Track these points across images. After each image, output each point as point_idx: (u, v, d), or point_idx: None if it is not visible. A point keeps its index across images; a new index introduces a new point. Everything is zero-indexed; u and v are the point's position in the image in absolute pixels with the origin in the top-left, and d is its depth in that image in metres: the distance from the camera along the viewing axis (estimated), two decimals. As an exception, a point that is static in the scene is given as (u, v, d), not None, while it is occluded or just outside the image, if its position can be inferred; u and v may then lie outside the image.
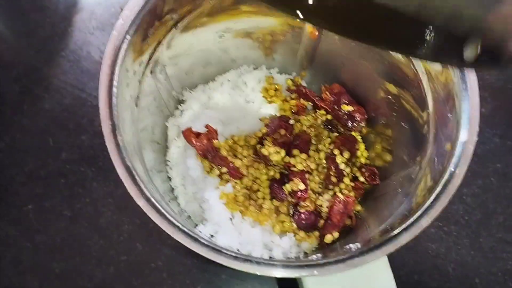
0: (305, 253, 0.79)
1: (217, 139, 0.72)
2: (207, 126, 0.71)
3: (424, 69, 0.68)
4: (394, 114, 0.79)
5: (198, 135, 0.71)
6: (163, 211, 0.53)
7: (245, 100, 0.87)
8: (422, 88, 0.68)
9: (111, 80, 0.58)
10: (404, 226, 0.55)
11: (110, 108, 0.57)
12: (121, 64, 0.60)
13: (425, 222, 0.55)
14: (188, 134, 0.70)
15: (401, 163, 0.75)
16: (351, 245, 0.58)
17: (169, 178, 0.81)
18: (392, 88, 0.77)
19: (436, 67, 0.64)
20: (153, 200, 0.53)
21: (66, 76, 1.06)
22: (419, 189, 0.63)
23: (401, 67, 0.71)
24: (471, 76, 0.59)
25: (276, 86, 0.90)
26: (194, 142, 0.70)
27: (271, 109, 0.87)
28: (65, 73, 1.07)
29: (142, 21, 0.61)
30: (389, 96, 0.78)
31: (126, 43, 0.60)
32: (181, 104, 0.86)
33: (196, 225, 0.76)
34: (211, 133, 0.71)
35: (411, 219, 0.55)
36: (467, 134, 0.57)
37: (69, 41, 1.11)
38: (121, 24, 0.61)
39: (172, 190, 0.81)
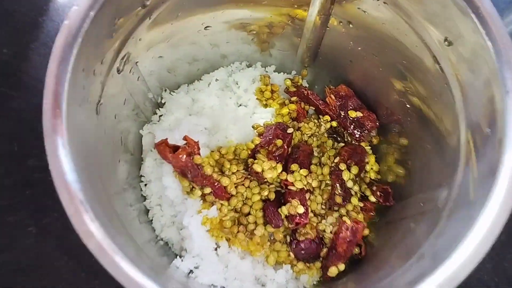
0: (306, 288, 0.67)
1: (199, 153, 0.59)
2: (186, 138, 0.58)
3: (452, 70, 0.55)
4: (412, 121, 0.67)
5: (175, 149, 0.58)
6: (117, 258, 0.40)
7: (236, 103, 0.75)
8: (450, 92, 0.56)
9: (58, 84, 0.46)
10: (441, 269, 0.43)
11: (55, 119, 0.45)
12: (75, 63, 0.47)
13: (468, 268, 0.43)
14: (163, 148, 0.57)
15: (422, 183, 0.63)
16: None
17: (144, 197, 0.68)
18: (410, 89, 0.64)
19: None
20: (104, 243, 0.41)
21: (36, 71, 0.94)
22: (448, 219, 0.50)
23: (425, 66, 0.59)
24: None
25: (273, 87, 0.77)
26: (170, 158, 0.57)
27: (267, 114, 0.75)
28: (36, 69, 0.94)
29: (103, 7, 0.49)
30: (407, 100, 0.66)
31: (81, 35, 0.47)
32: (160, 108, 0.73)
33: (176, 255, 0.63)
34: (191, 146, 0.58)
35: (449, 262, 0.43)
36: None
37: (40, 33, 0.98)
38: (76, 12, 0.48)
39: (147, 211, 0.68)
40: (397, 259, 0.56)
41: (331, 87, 0.76)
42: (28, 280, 0.75)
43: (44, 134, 0.45)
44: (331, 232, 0.66)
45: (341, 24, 0.68)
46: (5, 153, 0.86)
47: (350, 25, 0.67)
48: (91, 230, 0.42)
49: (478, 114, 0.51)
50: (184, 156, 0.57)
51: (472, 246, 0.43)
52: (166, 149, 0.57)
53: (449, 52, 0.55)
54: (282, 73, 0.81)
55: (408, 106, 0.67)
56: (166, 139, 0.58)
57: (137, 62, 0.62)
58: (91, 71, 0.52)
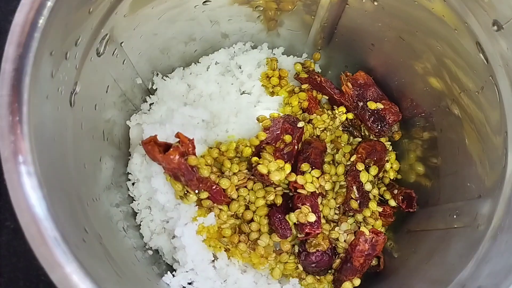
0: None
1: (194, 153, 0.50)
2: (179, 135, 0.49)
3: (500, 60, 0.46)
4: (442, 116, 0.58)
5: (166, 148, 0.49)
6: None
7: (238, 91, 0.66)
8: (495, 86, 0.47)
9: (18, 71, 0.37)
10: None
11: (14, 116, 0.36)
12: (39, 45, 0.38)
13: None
14: (151, 148, 0.48)
15: (454, 189, 0.54)
16: None
17: (132, 198, 0.60)
18: (444, 79, 0.55)
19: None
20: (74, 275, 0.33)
21: None
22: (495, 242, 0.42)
23: (465, 55, 0.50)
24: None
25: (281, 72, 0.68)
26: (160, 159, 0.48)
27: (273, 104, 0.65)
28: None
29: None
30: (438, 93, 0.57)
31: (47, 10, 0.38)
32: (151, 95, 0.64)
33: (168, 265, 0.55)
34: (185, 145, 0.49)
35: None
36: None
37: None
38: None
39: (135, 214, 0.59)
40: (426, 283, 0.48)
41: (348, 73, 0.67)
42: (2, 281, 0.70)
43: (-1, 136, 0.36)
44: (345, 241, 0.58)
45: (363, 0, 0.58)
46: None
47: (375, 3, 0.57)
48: (56, 257, 0.34)
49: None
50: (177, 157, 0.48)
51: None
52: (155, 149, 0.48)
53: (497, 38, 0.45)
54: (291, 56, 0.71)
55: (438, 98, 0.58)
56: (155, 136, 0.49)
57: (122, 43, 0.52)
58: (62, 55, 0.42)
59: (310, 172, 0.59)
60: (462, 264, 0.43)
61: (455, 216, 0.51)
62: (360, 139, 0.66)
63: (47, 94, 0.40)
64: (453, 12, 0.49)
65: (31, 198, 0.35)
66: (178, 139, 0.50)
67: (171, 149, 0.48)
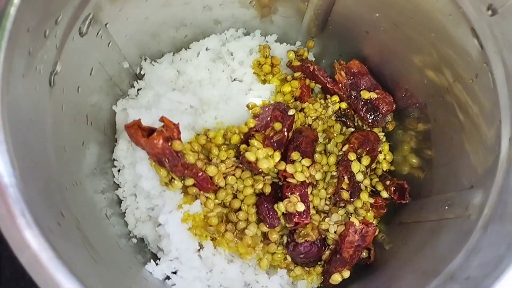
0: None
1: (179, 138, 0.49)
2: (163, 119, 0.47)
3: (495, 46, 0.44)
4: (437, 105, 0.57)
5: (150, 132, 0.47)
6: (58, 276, 0.31)
7: (229, 78, 0.64)
8: (490, 73, 0.45)
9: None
10: None
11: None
12: (15, 20, 0.36)
13: None
14: (134, 132, 0.46)
15: (447, 180, 0.53)
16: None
17: (117, 185, 0.58)
18: (438, 68, 0.53)
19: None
20: (43, 256, 0.31)
21: None
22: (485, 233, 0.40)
23: (459, 41, 0.48)
24: None
25: (273, 59, 0.66)
26: (143, 143, 0.46)
27: (265, 92, 0.64)
28: None
29: None
30: (432, 81, 0.55)
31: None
32: (138, 80, 0.62)
33: (153, 255, 0.54)
34: (169, 130, 0.47)
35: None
36: None
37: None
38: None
39: (120, 202, 0.58)
40: (416, 275, 0.46)
41: (342, 62, 0.65)
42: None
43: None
44: (335, 232, 0.57)
45: (357, -15, 0.56)
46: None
47: (369, -12, 0.55)
48: (26, 238, 0.32)
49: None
50: (161, 141, 0.46)
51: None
52: (138, 133, 0.46)
53: (492, 23, 0.44)
54: (284, 43, 0.69)
55: (433, 87, 0.56)
56: (139, 120, 0.47)
57: (106, 24, 0.51)
58: (41, 32, 0.41)
59: (300, 161, 0.57)
60: (452, 255, 0.42)
61: (446, 207, 0.50)
62: (353, 129, 0.65)
63: (23, 72, 0.39)
64: (447, -4, 0.47)
65: (3, 177, 0.34)
66: (162, 124, 0.48)
67: (155, 133, 0.46)
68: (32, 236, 0.32)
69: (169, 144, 0.48)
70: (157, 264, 0.52)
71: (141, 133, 0.46)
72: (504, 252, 0.35)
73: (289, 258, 0.57)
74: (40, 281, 0.31)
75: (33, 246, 0.32)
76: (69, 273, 0.32)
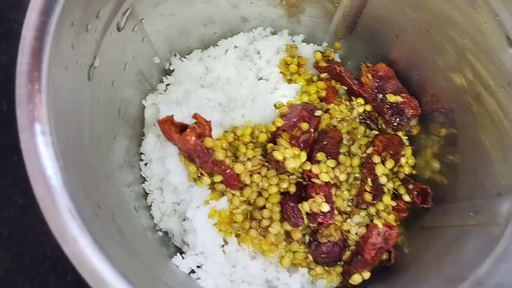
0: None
1: (210, 135, 0.49)
2: (196, 116, 0.48)
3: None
4: (464, 112, 0.56)
5: (182, 128, 0.48)
6: (103, 270, 0.32)
7: (256, 76, 0.64)
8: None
9: (38, 39, 0.36)
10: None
11: (33, 84, 0.35)
12: (61, 14, 0.37)
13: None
14: (168, 127, 0.47)
15: (473, 187, 0.53)
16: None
17: (144, 179, 0.59)
18: (467, 75, 0.53)
19: None
20: (87, 249, 0.32)
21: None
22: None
23: (493, 49, 0.48)
24: None
25: (300, 59, 0.66)
26: (176, 139, 0.47)
27: (291, 92, 0.64)
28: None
29: None
30: (461, 88, 0.55)
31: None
32: (167, 76, 0.63)
33: (177, 248, 0.55)
34: (202, 127, 0.48)
35: None
36: None
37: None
38: None
39: (146, 195, 0.59)
40: (440, 280, 0.46)
41: (369, 64, 0.65)
42: (7, 257, 0.69)
43: (16, 104, 0.35)
44: (356, 234, 0.57)
45: (390, -11, 0.56)
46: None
47: (403, -9, 0.55)
48: (70, 230, 0.33)
49: None
50: (193, 138, 0.47)
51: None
52: (171, 128, 0.47)
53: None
54: (311, 44, 0.69)
55: (461, 94, 0.56)
56: (172, 116, 0.48)
57: (142, 19, 0.51)
58: (83, 27, 0.42)
59: (325, 162, 0.58)
60: (478, 262, 0.42)
61: (472, 214, 0.50)
62: (377, 132, 0.65)
63: (67, 65, 0.40)
64: (485, 3, 0.47)
65: (47, 169, 0.34)
66: (195, 121, 0.49)
67: (188, 130, 0.47)
68: (76, 228, 0.33)
69: (201, 140, 0.49)
70: (183, 257, 0.53)
71: (174, 129, 0.47)
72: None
73: (310, 257, 0.57)
74: (84, 271, 0.32)
75: (77, 238, 0.33)
76: (111, 264, 0.33)
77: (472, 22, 0.50)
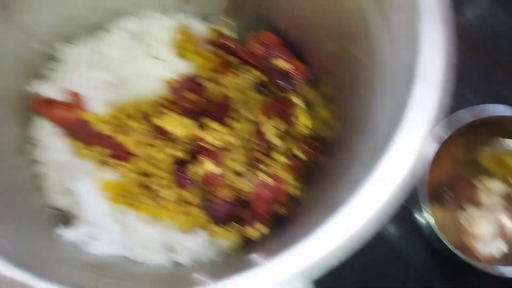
0: (228, 254, 0.61)
1: (86, 108, 0.51)
2: (69, 92, 0.50)
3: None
4: (344, 72, 0.60)
5: (52, 104, 0.49)
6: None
7: (147, 55, 0.66)
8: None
9: None
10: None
11: None
12: None
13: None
14: (39, 104, 0.48)
15: (357, 132, 0.56)
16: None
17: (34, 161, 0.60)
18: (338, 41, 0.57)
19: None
20: None
21: None
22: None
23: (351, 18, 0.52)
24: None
25: (192, 37, 0.69)
26: (51, 116, 0.49)
27: (183, 67, 0.66)
28: None
29: None
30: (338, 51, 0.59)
31: None
32: (54, 62, 0.64)
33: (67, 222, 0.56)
34: (75, 100, 0.50)
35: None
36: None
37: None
38: None
39: (39, 177, 0.60)
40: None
41: (256, 35, 0.69)
42: None
43: None
44: (250, 191, 0.60)
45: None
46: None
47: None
48: None
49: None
50: (64, 111, 0.49)
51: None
52: (40, 104, 0.48)
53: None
54: (204, 21, 0.72)
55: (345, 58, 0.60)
56: (47, 96, 0.49)
57: (15, 6, 0.52)
58: None
59: (215, 127, 0.60)
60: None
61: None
62: (268, 96, 0.68)
63: None
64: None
65: None
66: (70, 96, 0.51)
67: (57, 104, 0.49)
68: None
69: (77, 114, 0.50)
70: (72, 229, 0.54)
71: (42, 104, 0.48)
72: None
73: (207, 218, 0.59)
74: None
75: None
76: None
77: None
